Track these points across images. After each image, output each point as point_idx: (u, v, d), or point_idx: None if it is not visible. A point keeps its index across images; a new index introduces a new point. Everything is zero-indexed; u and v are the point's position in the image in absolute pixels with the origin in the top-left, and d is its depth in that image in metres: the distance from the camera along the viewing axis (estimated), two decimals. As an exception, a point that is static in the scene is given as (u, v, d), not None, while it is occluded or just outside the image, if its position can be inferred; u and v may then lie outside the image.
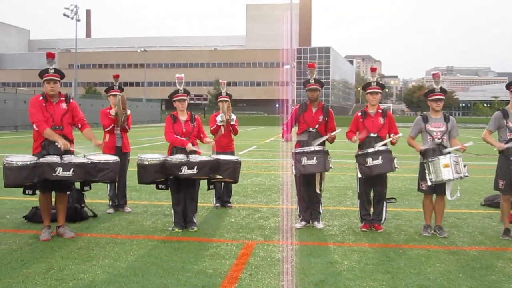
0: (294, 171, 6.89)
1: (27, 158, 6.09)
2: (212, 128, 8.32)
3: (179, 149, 6.91)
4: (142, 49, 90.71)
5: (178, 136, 6.97)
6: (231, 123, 8.33)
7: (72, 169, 5.96)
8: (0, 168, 6.27)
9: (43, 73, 6.43)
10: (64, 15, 60.90)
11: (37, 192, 6.30)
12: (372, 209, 7.05)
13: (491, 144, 6.71)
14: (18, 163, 5.91)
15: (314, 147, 6.80)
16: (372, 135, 6.91)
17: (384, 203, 7.02)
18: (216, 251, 5.81)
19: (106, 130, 7.95)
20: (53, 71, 6.42)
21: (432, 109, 6.78)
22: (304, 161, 6.72)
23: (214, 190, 8.15)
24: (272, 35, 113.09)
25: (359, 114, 7.13)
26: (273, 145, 25.39)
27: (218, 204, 8.52)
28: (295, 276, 4.94)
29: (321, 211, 7.23)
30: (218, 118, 8.27)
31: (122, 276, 4.88)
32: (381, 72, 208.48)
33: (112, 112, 7.88)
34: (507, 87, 6.76)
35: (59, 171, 5.91)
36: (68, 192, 6.72)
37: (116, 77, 8.27)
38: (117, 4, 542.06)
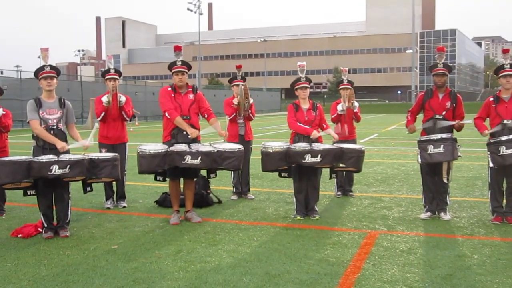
0: (420, 160, 6.65)
1: (159, 146, 6.47)
2: (332, 117, 8.25)
3: (302, 137, 6.92)
4: (262, 39, 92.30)
5: (301, 124, 6.96)
6: (354, 110, 8.20)
7: (199, 157, 6.23)
8: (134, 155, 6.71)
9: (171, 65, 6.75)
10: (188, 9, 63.99)
11: (167, 179, 6.68)
12: (504, 200, 6.61)
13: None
14: (150, 151, 6.31)
15: (441, 135, 6.50)
16: (506, 122, 6.45)
17: (519, 194, 6.55)
18: (338, 240, 5.77)
19: (229, 119, 8.19)
20: (180, 63, 6.71)
21: None
22: (431, 149, 6.45)
23: (335, 179, 8.08)
24: (393, 19, 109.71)
25: (491, 99, 6.69)
26: (395, 133, 24.68)
27: (339, 193, 8.46)
28: (421, 268, 4.79)
29: (448, 202, 6.91)
30: (339, 107, 8.16)
31: (246, 261, 5.02)
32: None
33: (235, 101, 8.09)
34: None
35: (188, 159, 6.21)
36: (195, 179, 7.04)
37: (238, 67, 8.47)
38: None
